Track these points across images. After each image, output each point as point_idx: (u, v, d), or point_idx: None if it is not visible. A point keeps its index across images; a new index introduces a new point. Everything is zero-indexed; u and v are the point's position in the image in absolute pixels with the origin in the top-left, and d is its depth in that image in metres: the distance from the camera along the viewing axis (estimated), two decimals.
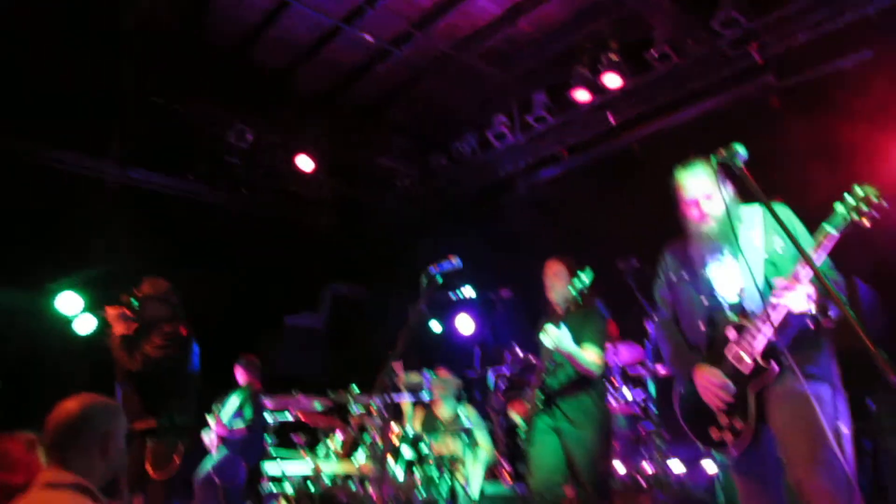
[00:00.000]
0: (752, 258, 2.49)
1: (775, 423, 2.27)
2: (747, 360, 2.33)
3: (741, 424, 2.33)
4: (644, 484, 4.79)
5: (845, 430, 2.00)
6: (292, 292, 8.48)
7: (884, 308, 4.51)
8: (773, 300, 2.26)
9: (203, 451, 5.35)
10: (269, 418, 4.79)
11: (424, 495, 4.11)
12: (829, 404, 2.18)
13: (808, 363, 2.30)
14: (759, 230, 2.56)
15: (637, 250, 5.38)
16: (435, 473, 4.17)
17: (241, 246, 8.07)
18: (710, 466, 4.61)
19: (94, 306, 6.56)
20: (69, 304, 6.45)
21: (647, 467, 4.95)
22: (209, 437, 5.35)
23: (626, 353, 5.38)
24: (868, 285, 4.51)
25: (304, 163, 7.90)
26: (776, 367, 2.27)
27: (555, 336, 3.35)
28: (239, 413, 5.48)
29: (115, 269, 6.82)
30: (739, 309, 2.48)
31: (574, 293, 3.39)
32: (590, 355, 3.48)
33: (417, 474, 4.09)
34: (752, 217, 2.62)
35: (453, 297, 5.58)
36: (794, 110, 5.65)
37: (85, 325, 6.57)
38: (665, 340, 2.73)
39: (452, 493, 4.14)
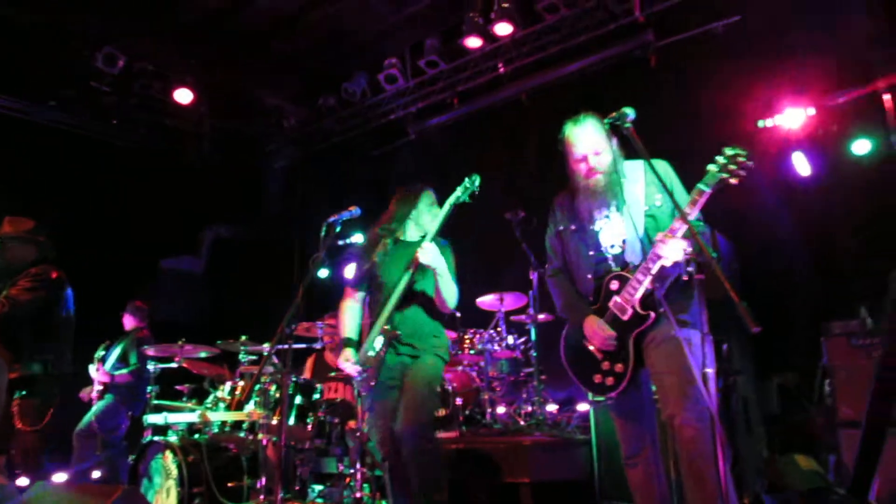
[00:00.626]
0: (633, 212, 2.67)
1: (651, 366, 2.49)
2: (628, 309, 2.53)
3: (621, 368, 2.54)
4: (522, 423, 5.12)
5: (710, 371, 2.23)
6: (169, 234, 8.05)
7: (736, 257, 4.98)
8: (652, 253, 2.45)
9: (79, 402, 5.09)
10: (151, 367, 4.60)
11: (316, 439, 4.16)
12: (697, 348, 2.41)
13: (682, 311, 2.53)
14: (640, 185, 2.73)
15: (524, 202, 5.56)
16: (326, 419, 4.21)
17: (113, 182, 7.54)
18: (583, 406, 4.98)
19: None
20: None
21: (527, 407, 5.28)
22: (89, 389, 5.08)
23: (510, 301, 5.61)
24: (724, 237, 4.95)
25: (183, 95, 7.42)
26: (653, 316, 2.49)
27: (432, 253, 3.09)
28: (123, 359, 5.23)
29: None
30: (621, 261, 2.66)
31: (460, 192, 3.32)
32: (452, 280, 3.29)
33: (309, 420, 4.11)
34: (635, 172, 2.78)
35: (341, 244, 5.55)
36: (669, 70, 5.98)
37: None
38: (556, 290, 2.88)
39: (342, 436, 4.21)
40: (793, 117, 4.96)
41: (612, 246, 2.71)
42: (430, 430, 3.10)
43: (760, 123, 5.11)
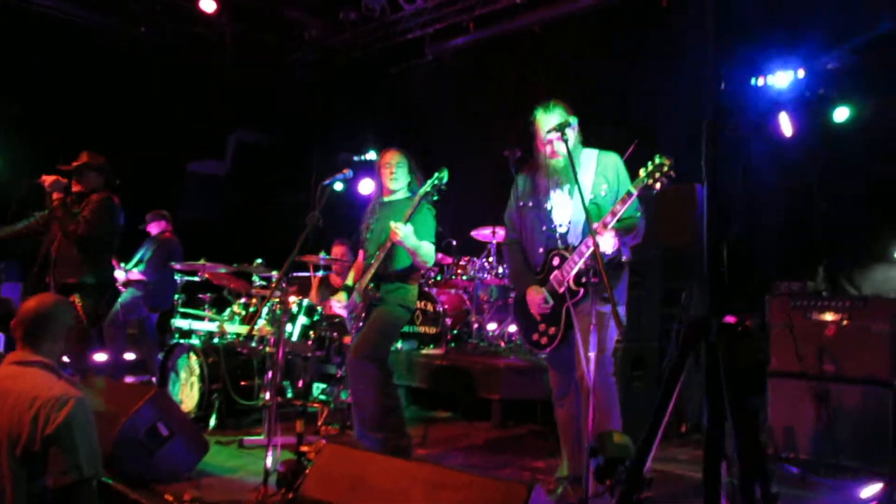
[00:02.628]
0: (581, 198, 3.08)
1: (582, 329, 3.00)
2: (563, 283, 3.01)
3: (554, 331, 3.06)
4: (502, 345, 5.75)
5: (592, 354, 2.75)
6: (195, 138, 8.49)
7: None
8: (587, 240, 2.89)
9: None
10: (178, 278, 5.23)
11: (316, 351, 4.82)
12: (613, 320, 2.94)
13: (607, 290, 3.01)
14: (590, 174, 3.13)
15: (525, 138, 5.87)
16: (327, 334, 4.85)
17: (141, 88, 7.91)
18: None
19: None
20: None
21: (509, 331, 5.89)
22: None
23: (503, 234, 6.07)
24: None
25: (207, 4, 7.63)
26: (581, 292, 2.97)
27: (403, 233, 3.49)
28: (142, 260, 5.92)
29: (11, 114, 6.68)
30: (565, 240, 3.11)
31: (428, 187, 3.58)
32: (426, 247, 3.69)
33: (311, 336, 4.76)
34: (588, 161, 3.17)
35: (356, 160, 5.98)
36: (679, 12, 6.04)
37: None
38: (509, 259, 3.37)
39: (341, 350, 4.85)
40: (782, 78, 5.14)
41: (560, 225, 3.15)
42: (370, 364, 3.58)
43: (752, 81, 5.30)
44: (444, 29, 7.65)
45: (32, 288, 4.34)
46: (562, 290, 3.01)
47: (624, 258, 3.07)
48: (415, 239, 3.58)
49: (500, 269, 6.08)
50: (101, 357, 5.30)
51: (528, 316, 3.16)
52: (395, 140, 7.70)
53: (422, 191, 3.64)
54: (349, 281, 3.99)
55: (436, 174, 3.58)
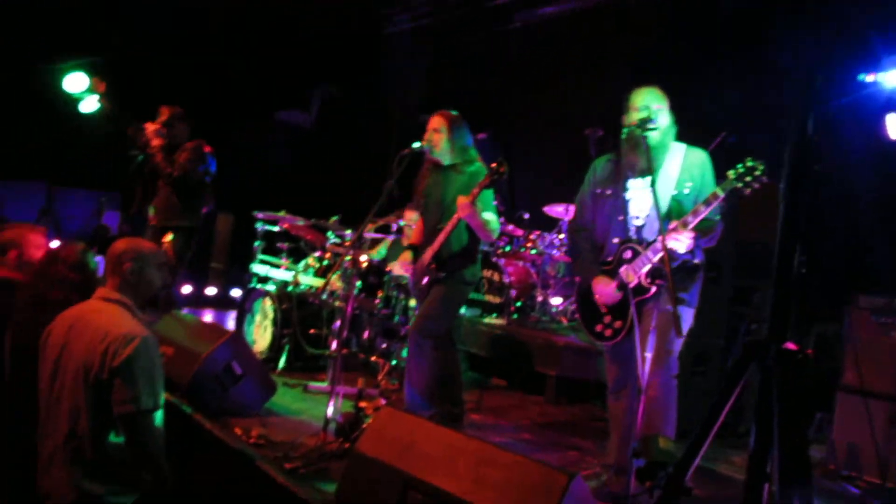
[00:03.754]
0: (662, 191, 3.02)
1: (644, 328, 2.99)
2: (634, 279, 2.98)
3: (619, 324, 3.04)
4: (565, 322, 5.77)
5: (648, 355, 2.77)
6: (283, 87, 8.74)
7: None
8: (664, 238, 2.83)
9: None
10: (259, 227, 5.50)
11: (382, 309, 5.00)
12: (685, 323, 2.93)
13: (682, 289, 2.97)
14: (675, 169, 3.06)
15: (606, 117, 5.75)
16: (394, 294, 5.01)
17: (232, 36, 8.16)
18: None
19: (94, 88, 6.93)
20: (76, 83, 6.78)
21: (572, 309, 5.89)
22: None
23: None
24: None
25: None
26: (653, 289, 2.94)
27: (469, 211, 3.47)
28: None
29: (114, 56, 7.05)
30: (640, 233, 3.06)
31: (486, 180, 3.46)
32: (494, 222, 3.68)
33: (379, 293, 4.94)
34: (675, 154, 3.10)
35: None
36: None
37: (89, 104, 6.96)
38: (575, 247, 3.33)
39: (406, 310, 5.01)
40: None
41: (637, 217, 3.09)
42: (428, 340, 3.65)
43: (861, 77, 4.96)
44: None
45: (130, 228, 4.74)
46: (631, 285, 2.97)
47: (696, 260, 3.01)
48: (481, 214, 3.58)
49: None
50: (186, 290, 5.69)
51: (593, 306, 3.14)
52: (474, 108, 7.76)
53: (482, 172, 3.62)
54: (407, 241, 4.05)
55: (495, 167, 3.43)
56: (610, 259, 3.13)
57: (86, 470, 2.39)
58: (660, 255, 2.86)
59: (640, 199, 3.10)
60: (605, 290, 3.06)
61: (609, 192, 3.19)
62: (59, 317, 2.59)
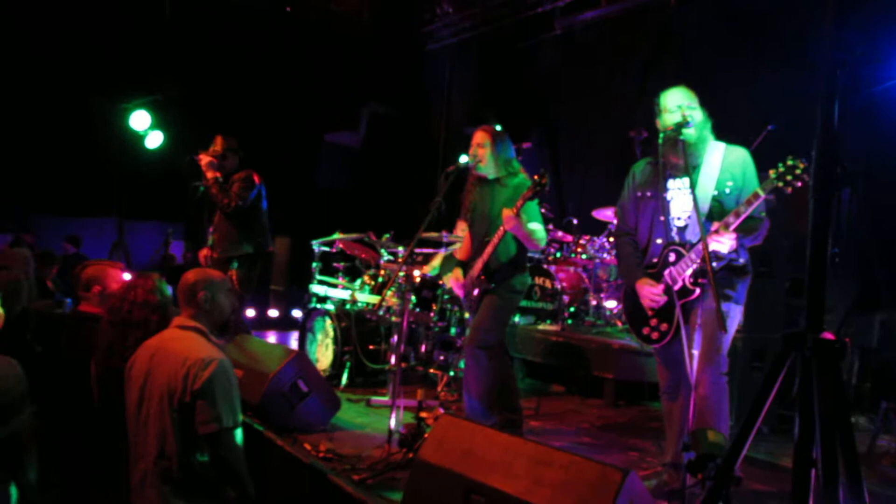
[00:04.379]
0: (703, 191, 3.06)
1: (691, 327, 3.03)
2: (679, 280, 3.03)
3: (666, 327, 3.08)
4: (620, 325, 5.79)
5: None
6: (333, 110, 9.06)
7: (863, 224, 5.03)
8: (705, 240, 2.87)
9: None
10: (316, 248, 5.74)
11: (438, 322, 5.14)
12: (734, 321, 2.98)
13: (728, 287, 3.00)
14: (715, 168, 3.09)
15: (652, 118, 5.76)
16: (448, 306, 5.16)
17: (283, 61, 8.52)
18: None
19: (159, 125, 7.39)
20: (141, 121, 7.25)
21: None
22: None
23: None
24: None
25: None
26: (698, 291, 2.98)
27: (514, 224, 3.59)
28: None
29: (174, 94, 7.49)
30: (682, 234, 3.10)
31: (529, 192, 3.56)
32: (540, 231, 3.79)
33: (434, 308, 5.09)
34: (714, 154, 3.13)
35: None
36: None
37: (154, 140, 7.42)
38: (619, 252, 3.40)
39: (461, 322, 5.14)
40: None
41: (679, 218, 3.13)
42: (482, 352, 3.74)
43: None
44: (575, 2, 7.57)
45: (193, 256, 5.02)
46: (676, 287, 3.02)
47: (742, 260, 3.02)
48: (527, 225, 3.69)
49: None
50: (250, 313, 5.97)
51: (639, 309, 3.20)
52: (519, 117, 7.88)
53: (525, 184, 3.73)
54: (458, 256, 4.18)
55: (536, 180, 3.53)
56: (655, 261, 3.18)
57: (175, 488, 2.60)
58: (702, 256, 2.90)
59: (682, 200, 3.14)
60: (649, 292, 3.12)
61: (650, 194, 3.24)
62: (140, 347, 2.82)
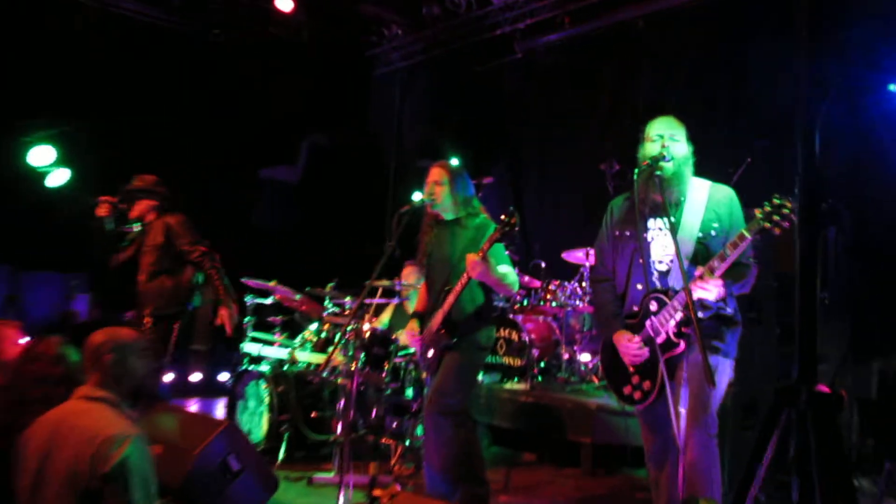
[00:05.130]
0: (686, 232, 3.14)
1: (677, 383, 3.07)
2: (661, 332, 3.07)
3: (648, 385, 3.12)
4: (595, 381, 5.84)
5: (683, 411, 2.86)
6: (267, 141, 9.03)
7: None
8: (689, 286, 2.93)
9: None
10: (248, 300, 5.66)
11: (391, 384, 5.09)
12: (722, 375, 3.05)
13: (716, 338, 3.07)
14: (699, 207, 3.19)
15: (621, 150, 5.93)
16: (402, 365, 5.12)
17: (215, 87, 8.50)
18: None
19: (64, 160, 7.23)
20: (42, 156, 7.07)
21: None
22: None
23: None
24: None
25: (284, 2, 8.13)
26: (682, 345, 3.02)
27: (480, 269, 3.58)
28: None
29: (84, 125, 7.37)
30: (664, 280, 3.17)
31: (496, 233, 3.59)
32: (511, 274, 3.82)
33: (386, 367, 5.05)
34: (698, 192, 3.23)
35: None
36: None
37: (57, 178, 7.24)
38: (597, 300, 3.45)
39: (418, 383, 5.10)
40: None
41: (660, 262, 3.21)
42: (443, 419, 3.76)
43: (892, 87, 5.16)
44: (536, 24, 7.80)
45: (101, 313, 4.90)
46: (659, 339, 3.06)
47: (730, 309, 3.09)
48: (496, 270, 3.70)
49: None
50: (168, 377, 5.81)
51: (619, 365, 3.23)
52: (478, 149, 8.02)
53: (488, 224, 3.79)
54: (413, 307, 4.18)
55: (503, 218, 3.57)
56: (635, 310, 3.23)
57: None
58: (688, 307, 2.94)
59: (663, 242, 3.22)
60: (628, 346, 3.15)
61: (628, 233, 3.31)
62: (37, 421, 2.69)
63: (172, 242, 4.92)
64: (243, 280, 5.61)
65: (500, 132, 8.30)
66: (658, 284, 3.18)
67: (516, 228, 3.59)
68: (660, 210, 3.19)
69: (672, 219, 3.14)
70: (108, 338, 2.80)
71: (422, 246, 4.10)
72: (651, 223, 3.27)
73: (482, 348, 3.90)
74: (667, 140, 3.18)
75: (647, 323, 3.12)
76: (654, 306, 3.14)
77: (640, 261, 3.21)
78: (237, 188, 9.02)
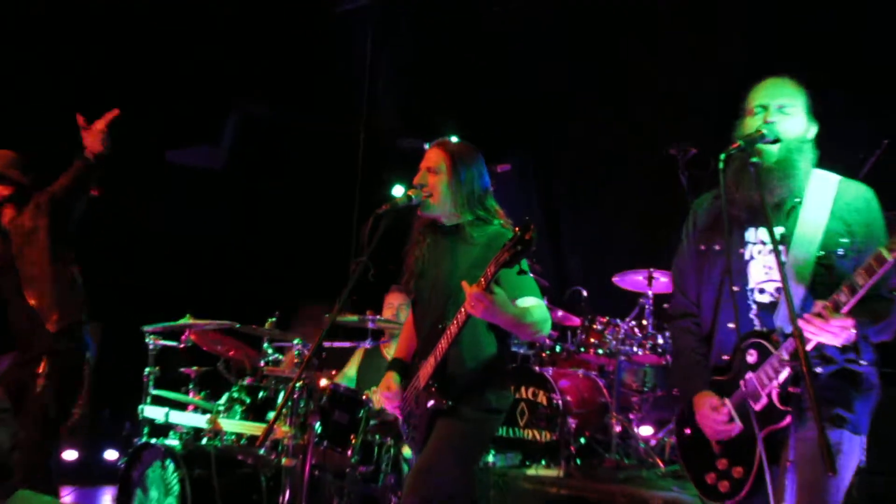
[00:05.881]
0: (801, 250, 3.11)
1: (781, 468, 3.06)
2: (762, 396, 3.03)
3: (740, 472, 3.08)
4: (661, 465, 5.84)
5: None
6: (179, 115, 9.01)
7: None
8: (804, 329, 2.83)
9: None
10: (150, 343, 5.66)
11: (359, 467, 5.09)
12: (847, 457, 3.01)
13: (841, 405, 3.04)
14: (822, 213, 3.14)
15: (700, 131, 5.93)
16: (375, 438, 5.12)
17: (104, 35, 8.49)
18: None
19: None
20: None
21: (674, 441, 5.96)
22: None
23: (665, 282, 6.19)
24: None
25: None
26: (789, 417, 3.00)
27: (484, 306, 3.43)
28: None
29: None
30: (768, 318, 3.14)
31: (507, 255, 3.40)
32: (536, 310, 3.67)
33: (353, 440, 5.05)
34: (821, 191, 3.19)
35: (427, 148, 6.24)
36: None
37: None
38: (675, 343, 3.43)
39: (395, 462, 5.11)
40: None
41: (762, 291, 3.20)
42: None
43: None
44: None
45: None
46: (758, 406, 3.05)
47: (864, 362, 3.07)
48: (511, 305, 3.58)
49: (662, 339, 6.18)
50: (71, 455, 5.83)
51: (700, 442, 3.22)
52: (488, 124, 7.96)
53: (506, 236, 3.63)
54: (403, 353, 4.11)
55: (516, 235, 3.35)
56: (725, 359, 3.23)
57: None
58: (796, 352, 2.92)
59: (765, 262, 3.21)
60: (713, 415, 3.14)
61: (717, 247, 3.31)
62: None
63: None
64: (144, 328, 5.63)
65: (522, 100, 8.26)
66: (758, 325, 3.17)
67: (532, 248, 3.37)
68: (761, 216, 3.19)
69: (779, 228, 3.15)
70: None
71: (409, 262, 4.07)
72: (749, 234, 3.28)
73: (492, 412, 3.84)
74: (772, 112, 3.19)
75: (743, 381, 3.11)
76: (751, 357, 3.13)
77: (735, 288, 3.20)
78: (133, 178, 8.98)
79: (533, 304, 3.69)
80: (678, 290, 3.52)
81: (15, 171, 5.15)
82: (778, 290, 3.17)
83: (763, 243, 3.26)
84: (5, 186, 5.11)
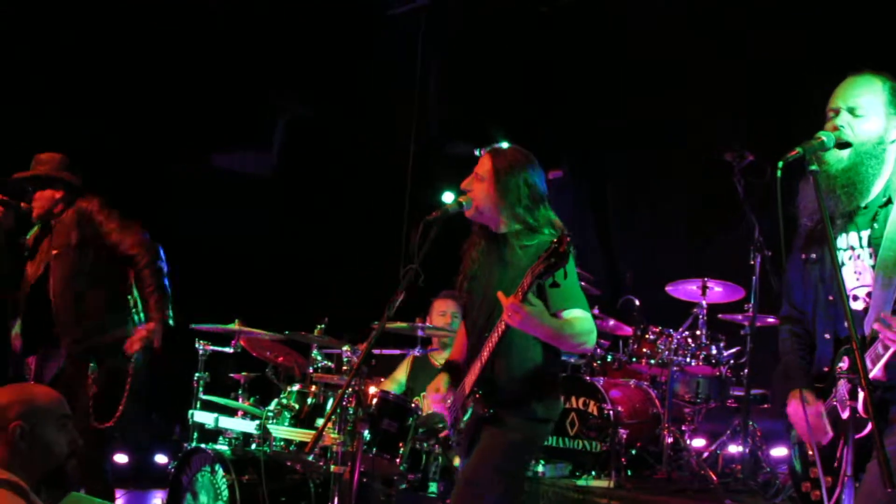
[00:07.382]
0: (891, 252, 3.02)
1: (850, 482, 3.05)
2: (846, 404, 2.97)
3: (829, 483, 3.00)
4: (714, 478, 5.86)
5: None
6: (223, 117, 9.10)
7: None
8: (882, 336, 2.81)
9: None
10: (199, 349, 5.80)
11: (408, 475, 5.19)
12: None
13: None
14: None
15: (761, 136, 5.92)
16: (425, 446, 5.21)
17: (147, 42, 8.64)
18: None
19: None
20: None
21: (729, 451, 5.98)
22: None
23: (720, 292, 6.20)
24: None
25: None
26: (870, 425, 2.83)
27: (522, 317, 3.46)
28: None
29: None
30: (860, 327, 3.03)
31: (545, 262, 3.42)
32: (581, 322, 3.69)
33: (401, 447, 5.15)
34: None
35: (478, 154, 6.31)
36: None
37: None
38: (781, 347, 3.40)
39: (446, 473, 5.19)
40: None
41: (855, 298, 3.13)
42: None
43: None
44: None
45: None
46: (846, 415, 3.00)
47: None
48: (548, 317, 3.59)
49: (715, 350, 6.20)
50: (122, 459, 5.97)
51: (803, 447, 3.24)
52: (541, 129, 7.96)
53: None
54: (458, 356, 4.12)
55: (553, 245, 3.38)
56: (825, 371, 3.19)
57: None
58: (884, 361, 2.86)
59: (854, 268, 3.18)
60: (800, 412, 3.09)
61: (814, 255, 3.29)
62: None
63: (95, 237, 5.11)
64: (193, 326, 5.75)
65: (576, 104, 8.29)
66: (850, 331, 3.14)
67: (563, 262, 3.38)
68: (848, 222, 3.18)
69: (865, 231, 3.15)
70: (15, 398, 2.95)
71: (464, 266, 4.08)
72: (840, 241, 3.23)
73: (539, 422, 3.81)
74: (843, 115, 3.15)
75: (834, 389, 3.09)
76: (844, 364, 3.09)
77: (830, 298, 3.19)
78: (178, 184, 9.10)
79: (577, 316, 3.67)
80: (784, 297, 3.48)
81: (66, 173, 5.29)
82: (869, 294, 3.10)
83: (853, 248, 3.21)
84: (57, 190, 5.31)
